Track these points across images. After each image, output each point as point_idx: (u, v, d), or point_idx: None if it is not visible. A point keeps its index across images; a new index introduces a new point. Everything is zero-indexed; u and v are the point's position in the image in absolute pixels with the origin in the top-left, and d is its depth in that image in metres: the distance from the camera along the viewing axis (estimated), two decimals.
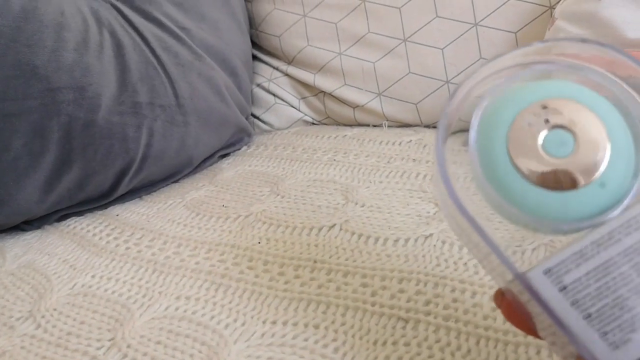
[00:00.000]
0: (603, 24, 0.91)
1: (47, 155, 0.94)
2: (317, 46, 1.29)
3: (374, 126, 1.27)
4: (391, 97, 1.22)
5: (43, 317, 0.76)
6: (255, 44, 1.40)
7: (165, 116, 1.04)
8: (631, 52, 0.81)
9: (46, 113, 0.92)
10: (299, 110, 1.34)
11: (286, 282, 0.74)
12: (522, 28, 1.10)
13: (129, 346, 0.68)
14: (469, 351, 0.60)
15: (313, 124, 1.35)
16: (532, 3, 1.10)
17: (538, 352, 0.58)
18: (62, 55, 0.93)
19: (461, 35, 1.14)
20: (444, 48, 1.15)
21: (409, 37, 1.18)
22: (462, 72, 1.14)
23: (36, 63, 0.91)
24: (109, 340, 0.70)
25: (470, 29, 1.13)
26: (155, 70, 1.03)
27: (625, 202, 0.40)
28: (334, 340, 0.65)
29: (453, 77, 1.15)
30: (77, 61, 0.95)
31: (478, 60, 1.13)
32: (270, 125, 1.36)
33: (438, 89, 1.17)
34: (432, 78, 1.17)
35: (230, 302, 0.74)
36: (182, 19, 1.13)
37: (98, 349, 0.69)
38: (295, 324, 0.67)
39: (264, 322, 0.69)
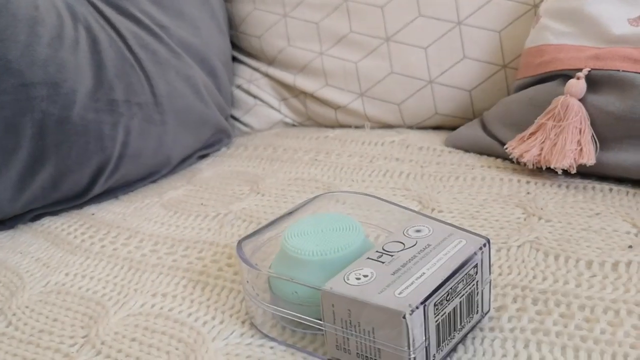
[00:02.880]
0: (588, 20, 0.90)
1: (20, 152, 0.91)
2: (298, 46, 1.27)
3: (356, 127, 1.25)
4: (373, 98, 1.21)
5: (14, 314, 0.73)
6: (235, 46, 1.38)
7: (142, 114, 1.01)
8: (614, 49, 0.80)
9: (19, 109, 0.89)
10: (280, 112, 1.32)
11: None
12: (506, 27, 1.09)
13: (103, 343, 0.66)
14: None
15: (294, 125, 1.33)
16: (516, 1, 1.08)
17: None
18: (36, 50, 0.91)
19: (444, 34, 1.12)
20: (427, 47, 1.14)
21: (391, 36, 1.17)
22: (445, 71, 1.13)
23: (9, 57, 0.88)
24: (83, 337, 0.68)
25: (454, 27, 1.12)
26: (132, 67, 1.01)
27: None
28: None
29: (436, 77, 1.14)
30: (51, 56, 0.92)
31: (462, 59, 1.12)
32: (250, 127, 1.33)
33: (421, 89, 1.15)
34: (415, 78, 1.16)
35: (208, 300, 0.71)
36: (160, 17, 1.11)
37: (71, 346, 0.66)
38: (273, 326, 0.65)
39: (243, 322, 0.67)
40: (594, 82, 0.87)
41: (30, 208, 0.97)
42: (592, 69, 0.87)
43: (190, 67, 1.12)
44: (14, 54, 0.89)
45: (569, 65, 0.90)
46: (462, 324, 0.58)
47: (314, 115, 1.29)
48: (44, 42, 0.92)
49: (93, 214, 0.97)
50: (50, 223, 0.95)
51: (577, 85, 0.86)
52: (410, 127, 1.20)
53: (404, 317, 0.51)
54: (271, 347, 0.63)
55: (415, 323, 0.52)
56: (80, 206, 1.00)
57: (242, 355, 0.62)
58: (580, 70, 0.88)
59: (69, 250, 0.86)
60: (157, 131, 1.04)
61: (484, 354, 0.59)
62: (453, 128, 1.13)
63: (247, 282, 0.63)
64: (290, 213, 0.73)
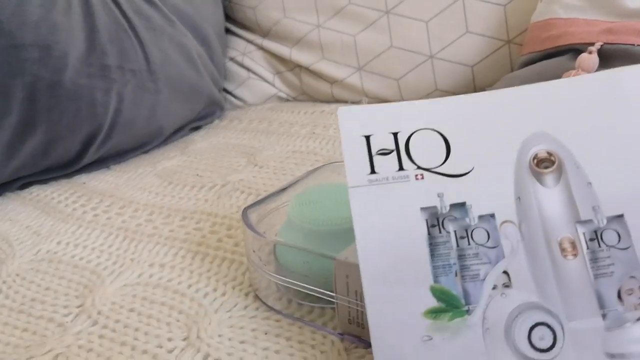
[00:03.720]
0: None
1: (10, 117, 0.87)
2: (294, 18, 1.24)
3: (353, 103, 1.22)
4: (371, 72, 1.18)
5: (4, 282, 0.69)
6: (228, 17, 1.35)
7: (135, 81, 0.98)
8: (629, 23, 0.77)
9: (9, 71, 0.86)
10: (274, 86, 1.29)
11: None
12: (511, 1, 1.06)
13: (99, 313, 0.63)
14: None
15: (288, 100, 1.30)
16: None
17: None
18: (27, 10, 0.87)
19: (447, 7, 1.10)
20: (428, 21, 1.11)
21: (391, 9, 1.14)
22: (447, 46, 1.10)
23: None
24: (78, 307, 0.64)
25: (457, 1, 1.09)
26: (125, 32, 0.98)
27: None
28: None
29: (437, 52, 1.11)
30: (43, 17, 0.88)
31: (464, 34, 1.09)
32: (243, 101, 1.30)
33: (421, 63, 1.13)
34: (415, 52, 1.13)
35: (208, 271, 0.68)
36: None
37: (65, 315, 0.63)
38: (279, 298, 0.62)
39: (246, 294, 0.64)
40: (607, 57, 0.84)
41: (19, 175, 0.93)
42: (604, 43, 0.84)
43: (184, 35, 1.09)
44: (5, 14, 0.85)
45: (580, 39, 0.87)
46: None
47: (309, 90, 1.26)
48: (36, 3, 0.88)
49: (84, 183, 0.93)
50: (39, 191, 0.92)
51: (590, 59, 0.84)
52: None
53: None
54: (277, 320, 0.60)
55: None
56: (70, 175, 0.97)
57: (247, 327, 0.59)
58: (592, 44, 0.85)
59: (60, 218, 0.83)
60: (150, 100, 1.01)
61: None
62: None
63: (253, 251, 0.60)
64: (294, 183, 0.70)
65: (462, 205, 0.48)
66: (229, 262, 0.69)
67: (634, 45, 0.82)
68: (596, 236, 0.45)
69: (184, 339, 0.58)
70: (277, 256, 0.60)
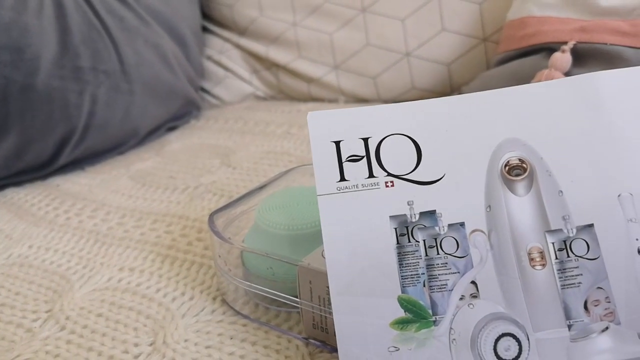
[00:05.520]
0: None
1: None
2: (271, 16, 1.23)
3: (329, 101, 1.22)
4: (348, 71, 1.18)
5: None
6: (205, 15, 1.34)
7: (109, 83, 0.98)
8: (602, 21, 0.77)
9: None
10: (251, 84, 1.29)
11: None
12: None
13: (67, 318, 0.63)
14: None
15: (265, 99, 1.30)
16: None
17: None
18: None
19: (423, 5, 1.10)
20: (404, 19, 1.11)
21: (367, 7, 1.14)
22: (423, 44, 1.10)
23: None
24: (46, 312, 0.64)
25: None
26: (98, 33, 0.97)
27: None
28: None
29: (414, 50, 1.11)
30: (14, 20, 0.88)
31: (440, 32, 1.09)
32: (220, 100, 1.30)
33: (398, 62, 1.13)
34: (391, 50, 1.13)
35: (177, 275, 0.69)
36: None
37: (34, 321, 0.63)
38: (246, 302, 0.62)
39: (214, 299, 0.64)
40: (580, 56, 0.85)
41: None
42: (578, 42, 0.85)
43: (159, 35, 1.09)
44: None
45: (553, 38, 0.88)
46: None
47: (286, 89, 1.26)
48: (7, 5, 0.88)
49: (58, 185, 0.93)
50: (13, 194, 0.91)
51: (562, 58, 0.84)
52: (386, 102, 1.18)
53: None
54: (244, 325, 0.60)
55: None
56: (44, 177, 0.97)
57: (213, 332, 0.59)
58: (565, 43, 0.85)
59: (32, 222, 0.83)
60: (125, 101, 1.00)
61: None
62: None
63: (219, 256, 0.61)
64: (263, 186, 0.70)
65: (432, 213, 0.47)
66: (198, 265, 0.70)
67: (606, 44, 0.82)
68: (565, 246, 0.45)
69: (151, 344, 0.58)
70: (243, 261, 0.60)
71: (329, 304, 0.50)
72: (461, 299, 0.45)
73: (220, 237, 0.60)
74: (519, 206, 0.46)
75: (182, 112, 1.17)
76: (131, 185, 0.91)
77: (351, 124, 0.51)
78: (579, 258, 0.45)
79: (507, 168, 0.48)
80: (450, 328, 0.44)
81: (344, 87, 1.19)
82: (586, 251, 0.45)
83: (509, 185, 0.47)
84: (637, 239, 0.44)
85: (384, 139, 0.50)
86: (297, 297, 0.55)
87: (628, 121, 0.47)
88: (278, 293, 0.58)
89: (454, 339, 0.44)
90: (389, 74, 1.14)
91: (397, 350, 0.44)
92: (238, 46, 1.30)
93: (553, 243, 0.45)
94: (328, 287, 0.47)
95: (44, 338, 0.60)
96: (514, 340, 0.43)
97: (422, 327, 0.44)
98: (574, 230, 0.45)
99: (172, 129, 1.16)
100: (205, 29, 1.34)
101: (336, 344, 0.46)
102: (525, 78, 0.88)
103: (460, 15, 1.08)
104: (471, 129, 0.49)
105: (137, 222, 0.80)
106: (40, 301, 0.66)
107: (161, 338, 0.59)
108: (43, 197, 0.89)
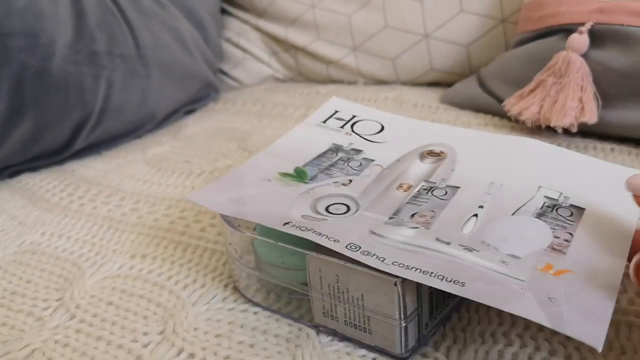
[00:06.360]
0: None
1: None
2: None
3: (349, 83, 1.21)
4: (367, 53, 1.16)
5: None
6: None
7: (125, 67, 0.97)
8: (620, 2, 0.74)
9: None
10: (270, 67, 1.28)
11: None
12: None
13: (77, 307, 0.62)
14: None
15: (284, 81, 1.29)
16: None
17: None
18: None
19: None
20: (423, 0, 1.09)
21: None
22: (442, 25, 1.08)
23: None
24: (57, 300, 0.64)
25: None
26: (114, 17, 0.97)
27: None
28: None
29: (432, 31, 1.09)
30: (29, 5, 0.87)
31: (459, 13, 1.07)
32: (239, 82, 1.29)
33: (416, 43, 1.11)
34: (410, 32, 1.11)
35: (189, 262, 0.68)
36: None
37: (44, 309, 0.63)
38: (258, 290, 0.61)
39: (226, 286, 0.63)
40: (597, 37, 0.83)
41: (8, 164, 0.93)
42: (595, 23, 0.83)
43: (176, 18, 1.08)
44: None
45: (570, 19, 0.86)
46: None
47: (305, 71, 1.25)
48: None
49: (74, 171, 0.93)
50: (28, 180, 0.91)
51: (580, 40, 0.82)
52: (405, 84, 1.16)
53: (396, 284, 0.48)
54: (255, 313, 0.59)
55: (408, 290, 0.49)
56: (61, 162, 0.96)
57: (223, 320, 0.59)
58: (582, 24, 0.84)
59: (46, 208, 0.83)
60: (141, 84, 1.00)
61: (479, 322, 0.56)
62: (449, 85, 1.09)
63: (230, 244, 0.60)
64: None
65: (359, 151, 0.68)
66: (210, 252, 0.69)
67: (624, 25, 0.80)
68: (430, 189, 0.60)
69: (160, 333, 0.58)
70: (254, 248, 0.59)
71: (339, 292, 0.52)
72: (335, 183, 0.62)
73: (231, 225, 0.59)
74: (418, 166, 0.64)
75: (200, 95, 1.16)
76: (146, 170, 0.90)
77: (350, 113, 0.75)
78: (433, 196, 0.59)
79: (427, 150, 0.66)
80: (312, 189, 0.61)
81: (363, 69, 1.17)
82: (443, 194, 0.59)
83: (421, 157, 0.65)
84: (480, 206, 0.56)
85: (362, 120, 0.74)
86: (307, 285, 0.54)
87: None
88: (288, 281, 0.57)
89: (308, 192, 0.60)
90: (407, 56, 1.13)
91: (269, 181, 0.63)
92: (257, 28, 1.28)
93: (422, 186, 0.60)
94: (337, 275, 0.51)
95: (54, 327, 0.60)
96: (345, 207, 0.58)
97: (294, 180, 0.63)
98: (444, 184, 0.60)
99: (190, 112, 1.15)
100: (223, 11, 1.32)
101: (346, 333, 0.54)
102: (543, 59, 0.86)
103: None
104: (410, 137, 0.69)
105: (151, 208, 0.79)
106: (51, 289, 0.66)
107: (171, 327, 0.58)
108: (58, 182, 0.89)
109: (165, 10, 1.06)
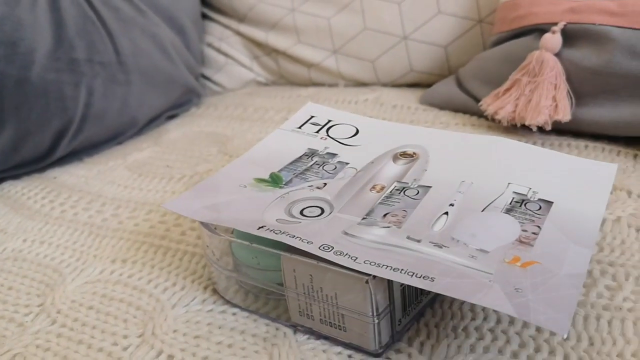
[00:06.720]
0: None
1: None
2: (269, 2, 1.23)
3: (330, 86, 1.22)
4: (347, 55, 1.17)
5: None
6: (204, 3, 1.34)
7: (105, 74, 0.98)
8: (591, 2, 0.75)
9: None
10: (252, 70, 1.29)
11: None
12: None
13: (58, 312, 0.63)
14: None
15: (266, 84, 1.30)
16: None
17: None
18: None
19: None
20: (401, 2, 1.10)
21: None
22: (420, 27, 1.10)
23: None
24: (38, 306, 0.65)
25: None
26: (93, 25, 0.97)
27: None
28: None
29: (411, 33, 1.10)
30: (7, 14, 0.88)
31: (436, 14, 1.08)
32: (221, 86, 1.30)
33: (395, 45, 1.12)
34: (389, 34, 1.12)
35: (169, 265, 0.69)
36: None
37: (26, 315, 0.64)
38: (236, 291, 0.62)
39: (205, 288, 0.64)
40: (570, 37, 0.84)
41: None
42: (567, 23, 0.84)
43: (156, 24, 1.08)
44: None
45: (544, 19, 0.87)
46: None
47: (286, 74, 1.26)
48: None
49: (55, 178, 0.93)
50: (10, 187, 0.92)
51: (552, 39, 0.84)
52: (385, 85, 1.17)
53: (367, 282, 0.49)
54: (233, 314, 0.60)
55: (379, 288, 0.50)
56: (42, 169, 0.97)
57: (202, 322, 0.60)
58: (555, 24, 0.85)
59: (27, 215, 0.83)
60: (122, 91, 1.00)
61: (452, 317, 0.57)
62: (429, 85, 1.10)
63: (208, 247, 0.61)
64: None
65: (334, 154, 0.70)
66: (190, 255, 0.70)
67: (595, 24, 0.81)
68: (402, 189, 0.62)
69: (139, 336, 0.59)
70: (232, 250, 0.60)
71: (313, 291, 0.53)
72: (310, 187, 0.64)
73: (208, 229, 0.60)
74: (391, 167, 0.66)
75: (182, 100, 1.17)
76: (127, 175, 0.91)
77: (326, 117, 0.78)
78: (405, 196, 0.61)
79: (401, 151, 0.69)
80: (287, 193, 0.63)
81: (343, 71, 1.18)
82: (415, 194, 0.61)
83: (394, 158, 0.68)
84: (451, 204, 0.59)
85: (337, 124, 0.76)
86: (283, 285, 0.55)
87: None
88: (264, 282, 0.58)
89: (283, 197, 0.62)
90: (387, 57, 1.14)
91: (245, 187, 0.64)
92: (238, 33, 1.29)
93: (395, 186, 0.63)
94: (311, 275, 0.52)
95: (35, 332, 0.61)
96: (319, 209, 0.60)
97: (270, 186, 0.64)
98: (416, 184, 0.62)
99: (172, 117, 1.16)
100: (204, 16, 1.33)
101: (322, 331, 0.56)
102: (518, 59, 0.87)
103: None
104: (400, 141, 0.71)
105: (131, 213, 0.80)
106: (32, 295, 0.67)
107: (150, 329, 0.59)
108: (39, 190, 0.90)
109: (145, 16, 1.07)
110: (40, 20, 0.91)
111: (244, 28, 1.27)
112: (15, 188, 0.91)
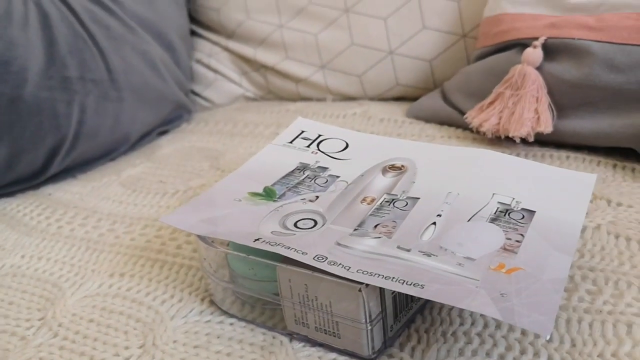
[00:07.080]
0: None
1: None
2: (257, 19, 1.25)
3: (318, 100, 1.24)
4: (334, 70, 1.20)
5: None
6: (193, 19, 1.36)
7: (97, 91, 0.99)
8: (570, 17, 0.78)
9: None
10: (241, 86, 1.31)
11: None
12: None
13: (60, 325, 0.65)
14: None
15: (255, 99, 1.32)
16: None
17: None
18: None
19: (404, 4, 1.12)
20: (386, 18, 1.13)
21: (350, 7, 1.16)
22: (406, 42, 1.12)
23: None
24: (39, 319, 0.67)
25: None
26: (85, 43, 0.99)
27: None
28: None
29: (397, 48, 1.13)
30: None
31: (421, 29, 1.11)
32: (211, 102, 1.32)
33: (382, 60, 1.15)
34: (375, 49, 1.15)
35: (166, 278, 0.71)
36: None
37: (27, 329, 0.66)
38: (233, 302, 0.64)
39: (202, 299, 0.66)
40: (551, 51, 0.87)
41: None
42: (548, 38, 0.87)
43: (146, 42, 1.10)
44: None
45: (525, 34, 0.90)
46: None
47: (275, 89, 1.28)
48: None
49: (50, 194, 0.95)
50: (5, 204, 0.93)
51: (534, 53, 0.86)
52: (372, 99, 1.20)
53: (360, 290, 0.51)
54: (231, 324, 0.62)
55: (371, 296, 0.52)
56: (36, 186, 0.99)
57: (201, 332, 0.61)
58: (536, 39, 0.88)
59: (24, 232, 0.85)
60: (114, 108, 1.02)
61: (441, 323, 0.59)
62: (414, 99, 1.12)
63: (205, 259, 0.63)
64: None
65: (325, 168, 0.72)
66: (186, 268, 0.72)
67: (574, 39, 0.84)
68: (392, 201, 0.64)
69: (140, 347, 0.61)
70: (228, 262, 0.62)
71: (308, 300, 0.56)
72: (303, 200, 0.66)
73: (205, 241, 0.62)
74: (380, 180, 0.68)
75: (172, 116, 1.19)
76: (122, 191, 0.93)
77: (316, 132, 0.80)
78: (395, 208, 0.63)
79: (390, 164, 0.71)
80: (281, 206, 0.65)
81: (331, 86, 1.21)
82: (404, 205, 0.63)
83: (384, 171, 0.70)
84: (438, 215, 0.61)
85: (328, 139, 0.79)
86: (279, 295, 0.58)
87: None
88: (261, 292, 0.60)
89: (277, 210, 0.64)
90: (373, 72, 1.16)
91: (240, 201, 0.66)
92: (226, 49, 1.31)
93: (384, 198, 0.65)
94: (306, 284, 0.55)
95: (37, 345, 0.63)
96: (312, 222, 0.62)
97: (264, 199, 0.67)
98: (405, 196, 0.65)
99: (163, 133, 1.18)
100: (193, 33, 1.35)
101: (317, 338, 0.58)
102: (501, 73, 0.90)
103: (439, 13, 1.10)
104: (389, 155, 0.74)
105: (127, 228, 0.82)
106: (33, 309, 0.68)
107: (150, 340, 0.61)
108: (35, 206, 0.91)
109: (135, 34, 1.08)
110: (32, 39, 0.93)
111: (233, 44, 1.30)
112: (11, 205, 0.93)
